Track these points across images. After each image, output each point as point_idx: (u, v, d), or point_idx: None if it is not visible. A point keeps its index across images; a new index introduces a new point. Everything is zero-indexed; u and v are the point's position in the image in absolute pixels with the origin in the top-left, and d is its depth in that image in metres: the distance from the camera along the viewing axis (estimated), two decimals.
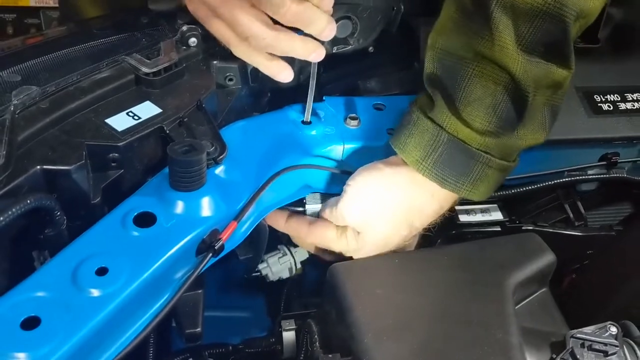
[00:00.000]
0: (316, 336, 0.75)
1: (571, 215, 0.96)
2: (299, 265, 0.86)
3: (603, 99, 0.93)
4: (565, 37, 0.71)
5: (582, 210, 0.96)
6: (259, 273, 0.84)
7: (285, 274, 0.85)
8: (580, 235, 0.96)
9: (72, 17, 0.95)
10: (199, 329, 0.77)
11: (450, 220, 0.90)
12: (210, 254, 0.60)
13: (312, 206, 0.80)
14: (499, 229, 0.93)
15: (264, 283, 1.05)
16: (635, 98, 0.94)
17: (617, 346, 0.68)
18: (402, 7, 0.96)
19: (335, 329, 0.74)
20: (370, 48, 1.01)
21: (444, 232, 0.88)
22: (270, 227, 0.77)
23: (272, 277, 0.85)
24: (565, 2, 0.68)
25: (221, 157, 0.64)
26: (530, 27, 0.70)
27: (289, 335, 0.80)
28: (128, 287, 0.54)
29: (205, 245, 0.60)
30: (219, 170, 0.65)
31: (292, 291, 0.97)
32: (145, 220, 0.59)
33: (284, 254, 0.85)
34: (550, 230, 0.95)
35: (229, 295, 1.04)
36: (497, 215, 0.94)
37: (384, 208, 0.77)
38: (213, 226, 0.61)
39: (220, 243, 0.60)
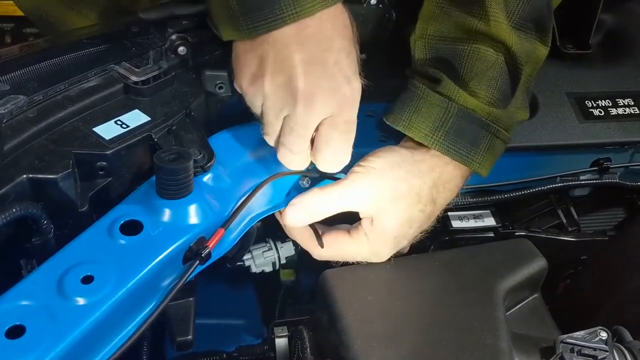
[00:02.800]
0: (307, 342, 0.75)
1: (564, 220, 0.96)
2: (283, 261, 0.85)
3: (594, 105, 0.93)
4: (549, 12, 0.76)
5: (575, 216, 0.96)
6: (242, 263, 0.84)
7: (269, 268, 0.85)
8: (573, 240, 0.96)
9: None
10: (190, 337, 0.77)
11: (442, 226, 0.90)
12: (197, 262, 0.60)
13: None
14: (492, 234, 0.93)
15: (259, 290, 1.05)
16: (626, 103, 0.94)
17: (606, 351, 0.68)
18: (394, 14, 0.97)
19: (326, 336, 0.74)
20: (363, 55, 1.02)
21: (436, 238, 0.88)
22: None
23: (255, 269, 0.85)
24: None
25: (209, 164, 0.64)
26: (518, 2, 0.74)
27: (281, 342, 0.80)
28: (114, 295, 0.54)
29: (192, 253, 0.60)
30: (207, 177, 0.65)
31: (287, 298, 0.97)
32: (131, 228, 0.59)
33: (269, 249, 0.85)
34: (543, 235, 0.95)
35: (223, 303, 1.04)
36: (490, 221, 0.94)
37: (405, 188, 0.74)
38: (200, 234, 0.61)
39: (207, 251, 0.60)
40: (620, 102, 0.94)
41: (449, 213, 0.93)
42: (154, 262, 0.57)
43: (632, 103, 0.94)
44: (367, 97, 0.97)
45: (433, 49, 0.77)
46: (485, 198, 0.92)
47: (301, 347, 0.75)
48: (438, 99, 0.74)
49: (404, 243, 0.77)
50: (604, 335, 0.70)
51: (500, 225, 0.93)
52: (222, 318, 1.04)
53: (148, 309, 0.58)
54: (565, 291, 0.95)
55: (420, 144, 0.76)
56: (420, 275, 0.78)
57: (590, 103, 0.93)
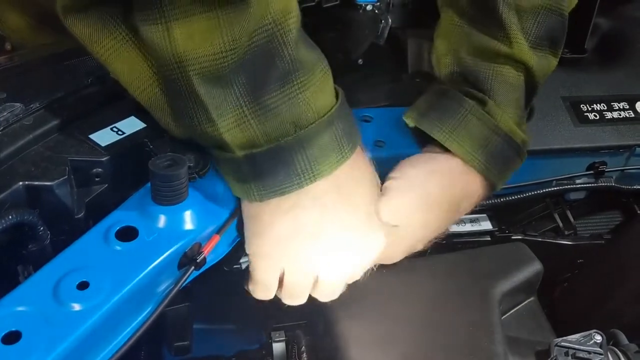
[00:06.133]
0: (303, 347, 0.75)
1: (560, 224, 0.97)
2: None
3: (589, 108, 0.94)
4: (563, 29, 0.78)
5: (572, 219, 0.97)
6: (239, 265, 0.85)
7: None
8: (570, 244, 0.96)
9: None
10: (187, 342, 0.77)
11: None
12: (192, 268, 0.60)
13: None
14: (489, 238, 0.93)
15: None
16: (621, 107, 0.95)
17: (601, 354, 0.68)
18: (390, 20, 0.97)
19: (322, 340, 0.74)
20: (360, 60, 1.02)
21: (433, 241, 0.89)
22: None
23: None
24: None
25: (204, 170, 0.65)
26: (534, 23, 0.76)
27: (279, 347, 0.80)
28: (109, 301, 0.54)
29: (187, 259, 0.60)
30: (202, 183, 0.65)
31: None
32: (127, 234, 0.59)
33: None
34: (540, 239, 0.96)
35: (221, 308, 1.04)
36: (487, 225, 0.94)
37: (437, 196, 0.75)
38: (195, 239, 0.61)
39: (202, 256, 0.60)
40: (616, 105, 0.95)
41: None
42: (149, 268, 0.57)
43: (627, 107, 0.95)
44: (363, 101, 0.99)
45: (460, 67, 0.79)
46: (483, 202, 0.92)
47: (298, 351, 0.76)
48: (487, 118, 0.75)
49: (419, 247, 0.78)
50: (598, 338, 0.70)
51: (496, 229, 0.94)
52: (219, 323, 1.05)
53: (144, 314, 0.58)
54: (562, 295, 0.95)
55: (445, 151, 0.76)
56: (416, 279, 0.78)
57: (585, 107, 0.94)
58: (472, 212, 0.94)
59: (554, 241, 0.96)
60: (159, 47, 0.54)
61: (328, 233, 0.64)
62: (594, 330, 0.71)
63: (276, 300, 0.78)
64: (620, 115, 0.94)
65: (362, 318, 0.73)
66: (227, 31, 0.54)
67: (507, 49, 0.75)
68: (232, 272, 0.88)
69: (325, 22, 0.95)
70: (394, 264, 0.80)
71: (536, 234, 0.96)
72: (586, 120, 0.93)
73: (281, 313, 0.93)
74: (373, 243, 0.69)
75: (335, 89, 0.64)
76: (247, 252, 0.67)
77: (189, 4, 0.52)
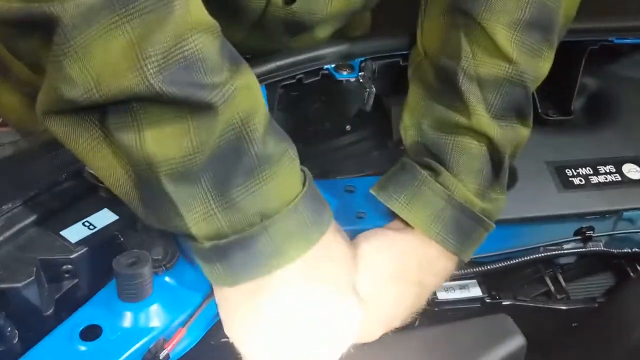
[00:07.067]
0: None
1: (552, 288, 0.95)
2: None
3: (575, 173, 0.93)
4: (528, 100, 0.78)
5: (563, 283, 0.95)
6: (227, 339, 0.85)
7: None
8: (563, 308, 0.95)
9: None
10: None
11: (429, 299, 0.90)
12: None
13: None
14: (479, 305, 0.92)
15: None
16: (607, 170, 0.93)
17: None
18: (374, 88, 0.98)
19: None
20: (348, 127, 1.04)
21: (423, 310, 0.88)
22: None
23: None
24: (524, 70, 0.75)
25: (171, 262, 0.66)
26: (497, 95, 0.76)
27: None
28: None
29: (151, 355, 0.61)
30: (169, 275, 0.67)
31: None
32: (91, 333, 0.60)
33: None
34: (532, 304, 0.95)
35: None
36: (476, 292, 0.94)
37: (395, 273, 0.76)
38: (161, 334, 0.63)
39: (165, 353, 0.61)
40: (602, 169, 0.93)
41: None
42: None
43: (614, 170, 0.93)
44: (349, 170, 1.00)
45: (422, 138, 0.80)
46: (470, 270, 0.92)
47: None
48: (440, 189, 0.76)
49: (395, 324, 0.78)
50: None
51: (486, 294, 0.93)
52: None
53: None
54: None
55: (406, 226, 0.77)
56: (396, 355, 0.78)
57: (570, 172, 0.93)
58: (461, 278, 0.94)
59: (546, 306, 0.95)
60: (130, 150, 0.56)
61: (299, 315, 0.65)
62: None
63: None
64: (606, 179, 0.92)
65: None
66: (196, 135, 0.56)
67: (465, 120, 0.76)
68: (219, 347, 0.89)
69: (310, 94, 0.97)
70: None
71: (528, 299, 0.95)
72: (571, 186, 0.92)
73: None
74: (349, 319, 0.69)
75: (303, 171, 0.66)
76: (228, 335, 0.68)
77: (160, 109, 0.55)
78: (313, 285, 0.65)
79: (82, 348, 0.60)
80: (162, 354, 0.61)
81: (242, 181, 0.59)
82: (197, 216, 0.59)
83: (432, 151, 0.78)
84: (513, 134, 0.78)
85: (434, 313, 0.91)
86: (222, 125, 0.57)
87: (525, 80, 0.76)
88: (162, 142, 0.56)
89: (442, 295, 0.92)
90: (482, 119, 0.76)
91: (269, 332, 0.65)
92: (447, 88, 0.78)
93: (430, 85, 0.81)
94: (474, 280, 0.94)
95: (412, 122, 0.81)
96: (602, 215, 0.91)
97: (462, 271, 0.91)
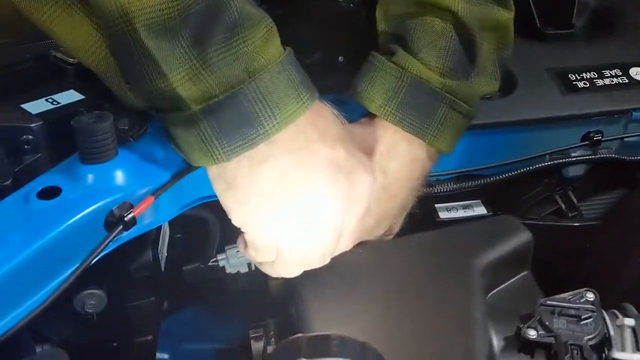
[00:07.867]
0: (272, 332, 0.70)
1: (563, 206, 0.89)
2: None
3: (578, 77, 0.88)
4: None
5: (575, 200, 0.89)
6: (216, 263, 0.80)
7: (244, 269, 0.81)
8: (576, 225, 0.88)
9: None
10: (150, 337, 0.73)
11: (429, 218, 0.85)
12: (120, 227, 0.56)
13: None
14: None
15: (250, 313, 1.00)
16: (613, 74, 0.88)
17: (593, 311, 0.60)
18: (364, 13, 0.94)
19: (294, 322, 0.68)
20: (340, 58, 0.99)
21: (423, 230, 0.82)
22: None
23: (230, 269, 0.81)
24: None
25: (139, 133, 0.61)
26: None
27: (257, 345, 0.75)
28: (17, 256, 0.50)
29: (114, 218, 0.56)
30: (140, 148, 0.62)
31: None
32: (49, 193, 0.56)
33: None
34: (542, 223, 0.88)
35: (214, 327, 0.99)
36: (481, 211, 0.88)
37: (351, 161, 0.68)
38: (125, 199, 0.57)
39: (132, 215, 0.56)
40: (607, 73, 0.88)
41: (436, 205, 0.87)
42: (67, 224, 0.53)
43: (620, 73, 0.88)
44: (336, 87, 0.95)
45: (390, 27, 0.76)
46: (471, 183, 0.86)
47: (266, 336, 0.70)
48: (392, 67, 0.72)
49: (383, 227, 0.74)
50: (590, 296, 0.62)
51: (491, 213, 0.87)
52: (212, 343, 1.00)
53: (66, 274, 0.53)
54: (570, 278, 0.86)
55: (371, 117, 0.73)
56: (394, 257, 0.72)
57: (573, 76, 0.88)
58: (463, 196, 0.88)
59: (559, 224, 0.89)
60: (104, 5, 0.52)
61: (312, 176, 0.61)
62: (586, 289, 0.63)
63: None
64: (612, 81, 0.87)
65: (332, 296, 0.67)
66: None
67: None
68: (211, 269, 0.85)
69: (300, 17, 0.93)
70: (370, 244, 0.75)
71: (537, 217, 0.89)
72: (575, 89, 0.86)
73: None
74: (363, 177, 0.65)
75: (284, 47, 0.61)
76: (236, 224, 0.63)
77: None
78: (318, 142, 0.61)
79: (37, 206, 0.54)
80: (128, 217, 0.56)
81: (223, 38, 0.55)
82: (182, 76, 0.54)
83: (397, 36, 0.74)
84: (484, 12, 0.73)
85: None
86: None
87: None
88: None
89: (444, 215, 0.87)
90: None
91: (271, 200, 0.60)
92: None
93: None
94: (478, 200, 0.89)
95: (381, 14, 0.78)
96: (609, 115, 0.85)
97: (463, 183, 0.86)
